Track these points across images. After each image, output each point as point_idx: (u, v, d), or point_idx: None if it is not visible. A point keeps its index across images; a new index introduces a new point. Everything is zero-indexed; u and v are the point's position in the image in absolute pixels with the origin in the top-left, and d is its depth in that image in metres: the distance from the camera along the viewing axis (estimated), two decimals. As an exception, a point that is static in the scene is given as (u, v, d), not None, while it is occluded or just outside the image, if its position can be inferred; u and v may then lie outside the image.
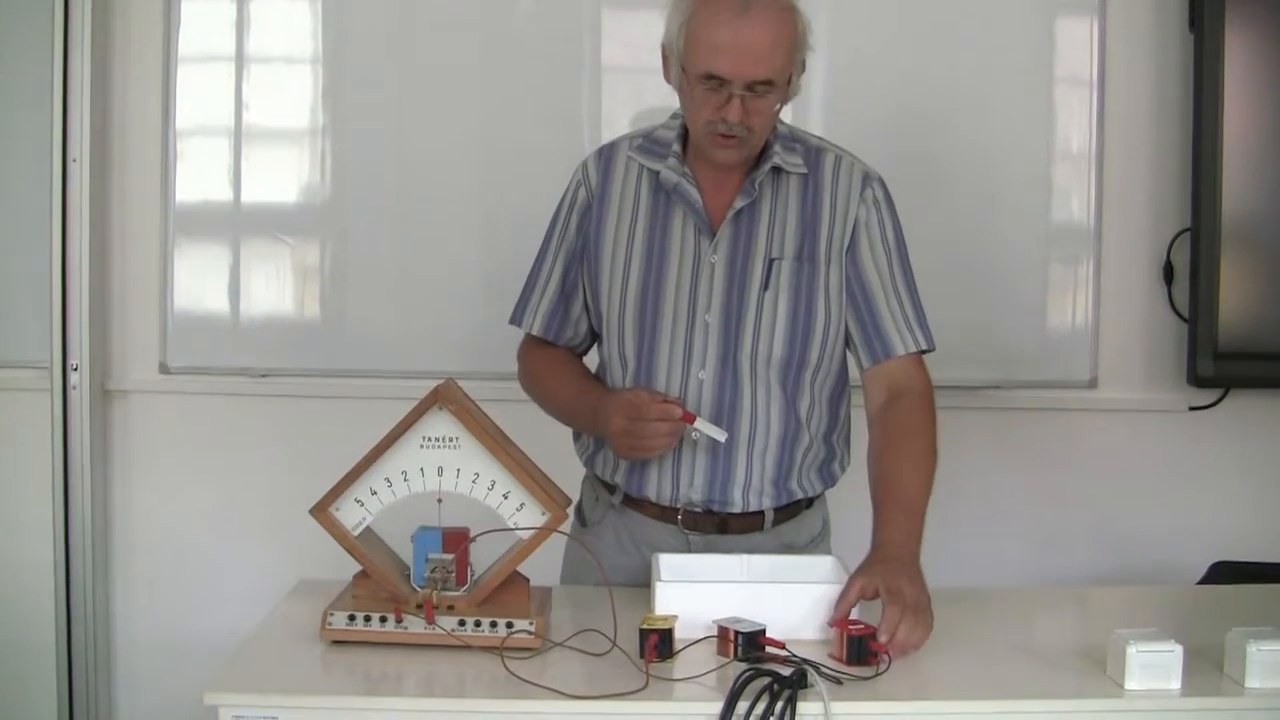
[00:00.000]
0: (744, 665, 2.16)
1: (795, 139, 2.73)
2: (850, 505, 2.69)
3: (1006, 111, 3.89)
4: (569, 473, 2.84)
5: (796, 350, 2.68)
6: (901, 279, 2.72)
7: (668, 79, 2.65)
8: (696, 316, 2.68)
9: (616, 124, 3.66)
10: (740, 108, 2.52)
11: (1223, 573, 3.68)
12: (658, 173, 2.71)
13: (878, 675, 2.20)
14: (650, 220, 2.72)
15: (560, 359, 2.85)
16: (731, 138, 2.57)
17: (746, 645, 2.23)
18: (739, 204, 2.66)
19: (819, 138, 2.77)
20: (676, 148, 2.70)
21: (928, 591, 2.37)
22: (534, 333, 2.82)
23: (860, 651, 2.23)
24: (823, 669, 2.15)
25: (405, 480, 2.34)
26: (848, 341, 2.75)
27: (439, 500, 2.34)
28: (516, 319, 2.85)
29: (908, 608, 2.29)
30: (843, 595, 2.33)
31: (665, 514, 2.75)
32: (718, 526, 2.74)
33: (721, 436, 2.60)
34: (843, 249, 2.69)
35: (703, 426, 2.59)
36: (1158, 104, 3.95)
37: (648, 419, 2.55)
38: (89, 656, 3.86)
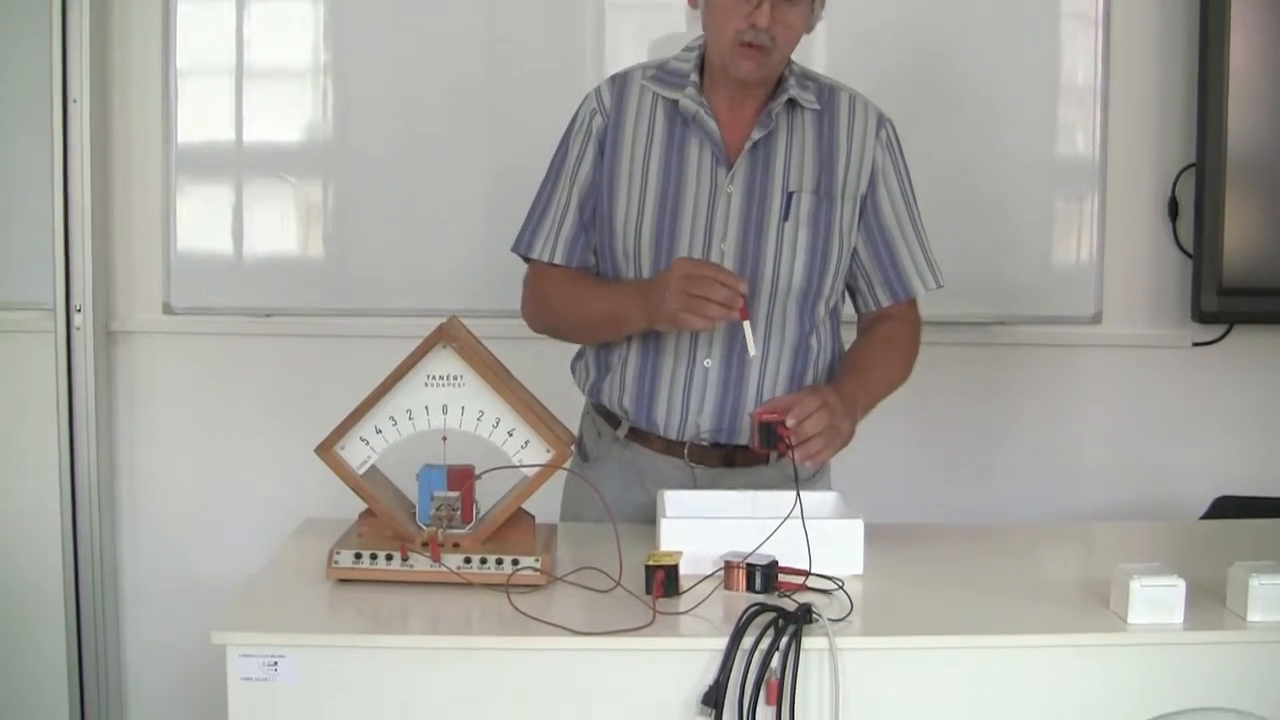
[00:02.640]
0: (749, 601, 2.16)
1: (808, 77, 2.78)
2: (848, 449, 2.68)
3: (1011, 46, 3.86)
4: (572, 411, 2.85)
5: (814, 280, 2.73)
6: (918, 220, 2.81)
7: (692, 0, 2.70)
8: (712, 245, 2.70)
9: (620, 59, 3.62)
10: (769, 13, 2.57)
11: (1226, 507, 3.69)
12: (674, 102, 2.72)
13: (780, 459, 2.52)
14: (666, 149, 2.72)
15: (582, 272, 2.81)
16: (757, 48, 2.60)
17: (764, 579, 2.25)
18: (756, 135, 2.69)
19: (829, 77, 2.81)
20: (694, 77, 2.72)
21: (853, 424, 2.56)
22: (556, 261, 2.78)
23: (769, 436, 2.44)
24: (822, 616, 2.16)
25: (410, 418, 2.34)
26: (856, 284, 2.82)
27: (444, 438, 2.34)
28: (524, 247, 2.81)
29: (826, 408, 2.47)
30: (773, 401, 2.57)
31: (671, 448, 2.77)
32: (724, 459, 2.76)
33: (753, 349, 2.57)
34: (858, 188, 2.74)
35: (747, 330, 2.54)
36: (1163, 38, 3.92)
37: (714, 276, 2.49)
38: (96, 597, 3.88)
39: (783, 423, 2.44)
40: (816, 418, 2.46)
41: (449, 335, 2.33)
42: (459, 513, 2.33)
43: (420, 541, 2.29)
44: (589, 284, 2.80)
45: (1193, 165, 3.88)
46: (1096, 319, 3.95)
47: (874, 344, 2.81)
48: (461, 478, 2.33)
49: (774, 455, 2.63)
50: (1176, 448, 4.03)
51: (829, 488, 2.78)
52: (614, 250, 2.76)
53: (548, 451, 2.34)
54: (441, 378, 2.34)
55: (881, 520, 2.47)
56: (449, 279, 3.83)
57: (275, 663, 2.07)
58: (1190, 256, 3.91)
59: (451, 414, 2.34)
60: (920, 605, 2.28)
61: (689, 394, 2.73)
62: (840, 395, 2.55)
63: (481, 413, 2.33)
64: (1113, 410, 4.05)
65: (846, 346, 2.86)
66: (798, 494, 2.33)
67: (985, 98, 3.85)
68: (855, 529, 2.39)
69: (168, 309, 3.89)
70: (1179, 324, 3.98)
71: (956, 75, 3.84)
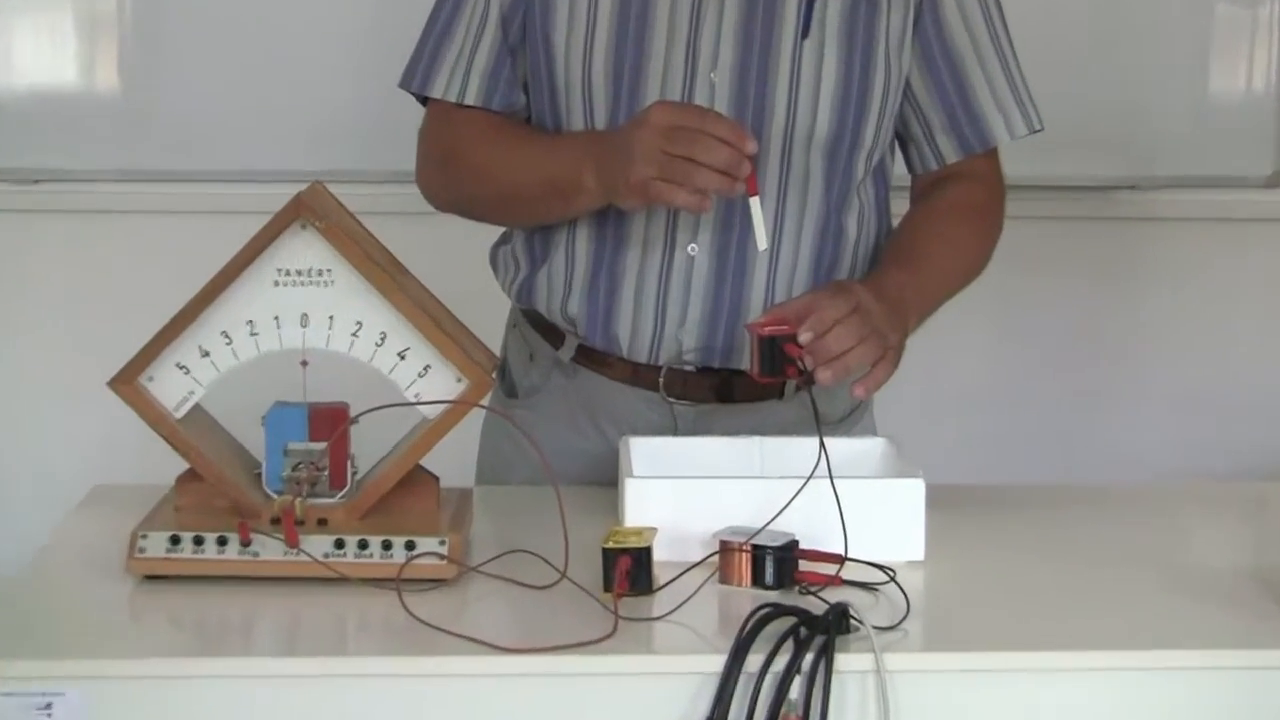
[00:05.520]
0: (757, 601, 2.17)
1: None
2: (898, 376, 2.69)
3: None
4: (494, 323, 2.85)
5: (849, 124, 2.72)
6: (1003, 39, 2.79)
7: None
8: (698, 76, 2.69)
9: None
10: None
11: None
12: None
13: (798, 390, 2.52)
14: None
15: (509, 120, 2.82)
16: None
17: (778, 567, 2.26)
18: (761, -89, 2.69)
19: None
20: None
21: (903, 337, 2.55)
22: (468, 101, 2.78)
23: (774, 357, 2.41)
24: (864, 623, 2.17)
25: (252, 334, 2.33)
26: (910, 130, 2.83)
27: (303, 363, 2.34)
28: (420, 82, 2.81)
29: (858, 313, 2.42)
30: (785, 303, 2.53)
31: (640, 375, 2.78)
32: (717, 392, 2.78)
33: (765, 241, 2.56)
34: None
35: (756, 211, 2.52)
36: None
37: (709, 129, 2.44)
38: None
39: (794, 338, 2.40)
40: (844, 330, 2.40)
41: (310, 210, 2.32)
42: (326, 474, 2.34)
43: (269, 517, 2.29)
44: (518, 136, 2.80)
45: None
46: (1274, 181, 3.97)
47: (934, 217, 2.81)
48: (331, 421, 2.34)
49: (791, 385, 2.63)
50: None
51: (873, 432, 2.79)
52: (554, 84, 2.75)
53: (458, 381, 2.34)
54: (299, 273, 2.33)
55: (949, 480, 2.48)
56: (310, 128, 3.83)
57: (49, 704, 2.05)
58: None
59: (315, 327, 2.33)
60: (1008, 607, 2.29)
61: (665, 296, 2.73)
62: (881, 294, 2.52)
63: (359, 325, 2.33)
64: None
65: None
66: (821, 443, 2.33)
67: None
68: (913, 492, 2.40)
69: (-114, 172, 3.89)
70: (1396, 188, 4.01)
71: None
